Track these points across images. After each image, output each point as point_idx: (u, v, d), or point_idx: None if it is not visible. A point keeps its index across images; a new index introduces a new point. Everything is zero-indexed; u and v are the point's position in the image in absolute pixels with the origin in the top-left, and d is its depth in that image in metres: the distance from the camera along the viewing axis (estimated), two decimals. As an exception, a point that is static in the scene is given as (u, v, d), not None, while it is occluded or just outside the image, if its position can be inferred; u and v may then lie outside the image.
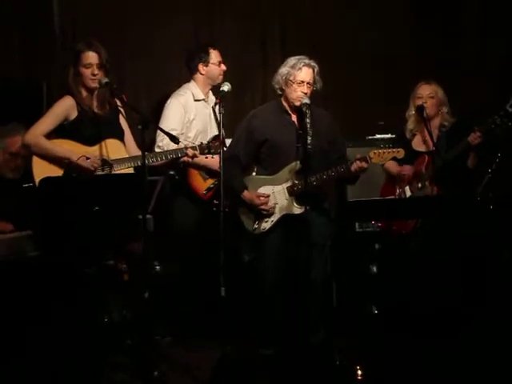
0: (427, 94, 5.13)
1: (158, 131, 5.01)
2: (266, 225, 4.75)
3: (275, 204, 4.73)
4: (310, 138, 4.43)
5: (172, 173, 5.23)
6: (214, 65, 5.32)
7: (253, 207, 4.73)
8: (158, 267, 5.35)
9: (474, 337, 4.90)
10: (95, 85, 4.57)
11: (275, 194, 4.74)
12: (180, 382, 4.48)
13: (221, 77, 5.35)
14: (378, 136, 5.88)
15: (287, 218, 4.73)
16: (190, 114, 5.24)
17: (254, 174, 4.91)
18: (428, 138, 5.04)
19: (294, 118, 4.77)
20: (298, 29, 6.29)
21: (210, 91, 5.41)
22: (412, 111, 5.21)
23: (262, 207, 4.71)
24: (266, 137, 4.73)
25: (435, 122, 5.15)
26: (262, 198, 4.72)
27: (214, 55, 5.33)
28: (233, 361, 4.39)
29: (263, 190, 4.75)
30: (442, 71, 6.00)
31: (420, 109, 5.07)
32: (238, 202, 4.77)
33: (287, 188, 4.72)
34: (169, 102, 5.30)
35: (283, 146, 4.71)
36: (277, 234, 4.75)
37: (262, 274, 4.81)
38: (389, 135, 5.73)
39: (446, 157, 4.94)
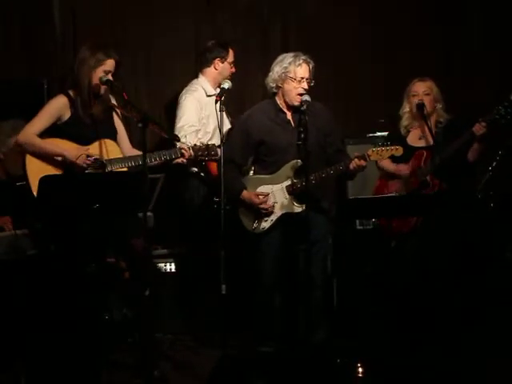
0: (423, 91, 5.15)
1: (178, 128, 5.15)
2: (266, 224, 4.74)
3: (274, 203, 4.72)
4: (310, 137, 4.43)
5: (196, 170, 5.25)
6: (228, 64, 5.36)
7: (252, 207, 4.72)
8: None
9: (475, 336, 4.90)
10: (102, 91, 4.56)
11: (274, 193, 4.73)
12: (181, 381, 4.48)
13: (229, 77, 5.36)
14: (378, 133, 5.89)
15: (286, 217, 4.73)
16: (206, 110, 5.25)
17: (251, 173, 4.91)
18: (427, 133, 5.06)
19: (289, 115, 4.75)
20: (299, 28, 6.30)
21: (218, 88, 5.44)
22: (406, 108, 5.23)
23: (262, 206, 4.70)
24: (263, 137, 4.71)
25: (432, 119, 5.16)
26: (260, 196, 4.71)
27: (231, 55, 5.37)
28: (233, 359, 4.38)
29: (262, 189, 4.74)
30: (442, 69, 6.02)
31: (420, 106, 5.08)
32: (237, 203, 4.76)
33: (286, 187, 4.71)
34: (183, 98, 5.32)
35: (280, 146, 4.70)
36: (276, 233, 4.75)
37: (262, 273, 4.80)
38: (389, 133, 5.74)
39: (449, 149, 4.95)
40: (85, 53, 4.54)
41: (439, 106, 5.17)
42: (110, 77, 4.52)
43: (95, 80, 4.51)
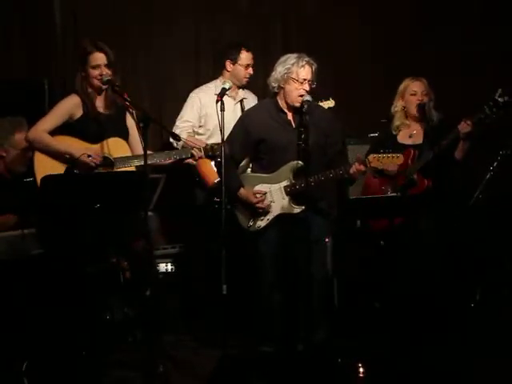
0: (421, 91, 5.17)
1: (176, 122, 5.27)
2: (261, 223, 4.74)
3: (271, 203, 4.72)
4: (310, 137, 4.44)
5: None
6: (240, 66, 5.36)
7: (249, 205, 4.73)
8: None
9: (475, 335, 4.90)
10: (99, 85, 4.58)
11: (272, 193, 4.73)
12: (181, 381, 4.47)
13: (246, 79, 5.39)
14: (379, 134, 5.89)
15: (283, 217, 4.73)
16: (208, 108, 5.28)
17: (249, 170, 4.91)
18: (418, 132, 5.13)
19: (289, 116, 4.74)
20: (299, 28, 6.31)
21: (241, 89, 5.47)
22: (399, 107, 5.25)
23: (258, 205, 4.70)
24: (263, 136, 4.71)
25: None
26: (257, 195, 4.71)
27: (245, 56, 5.35)
28: (233, 359, 4.38)
29: (260, 188, 4.74)
30: (442, 68, 6.02)
31: (421, 106, 5.10)
32: (234, 200, 4.76)
33: (284, 187, 4.71)
34: (189, 95, 5.40)
35: (280, 145, 4.69)
36: (273, 232, 4.74)
37: (260, 272, 4.79)
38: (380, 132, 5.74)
39: (438, 148, 4.97)
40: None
41: (432, 104, 5.20)
42: (104, 70, 4.53)
43: (92, 80, 4.57)
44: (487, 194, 5.19)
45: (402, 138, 5.25)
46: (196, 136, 5.33)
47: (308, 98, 4.56)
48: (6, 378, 4.27)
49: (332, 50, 6.16)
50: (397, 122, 5.27)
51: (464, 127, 4.94)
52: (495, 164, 5.18)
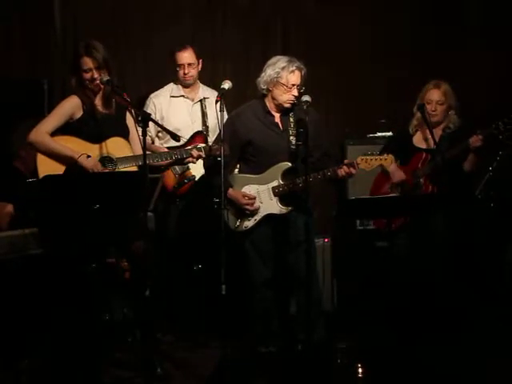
0: (437, 100, 5.11)
1: None
2: (249, 223, 4.75)
3: (259, 203, 4.74)
4: (300, 139, 4.44)
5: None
6: (177, 67, 5.35)
7: (237, 205, 4.74)
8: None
9: (475, 335, 4.90)
10: (97, 88, 4.59)
11: (260, 194, 4.74)
12: (181, 381, 4.47)
13: (185, 79, 5.36)
14: (379, 134, 5.90)
15: (270, 218, 4.74)
16: (164, 112, 5.34)
17: (236, 171, 4.92)
18: (429, 136, 5.03)
19: (277, 118, 4.76)
20: (299, 28, 6.31)
21: (201, 88, 5.45)
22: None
23: (247, 207, 4.72)
24: (250, 138, 4.72)
25: (442, 125, 5.17)
26: (246, 197, 4.72)
27: (178, 58, 5.33)
28: (233, 359, 4.38)
29: (248, 188, 4.76)
30: (442, 68, 6.01)
31: (420, 107, 5.08)
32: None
33: (272, 188, 4.72)
34: (146, 100, 5.43)
35: (268, 147, 4.71)
36: (260, 233, 4.76)
37: (248, 273, 4.81)
38: (390, 133, 5.74)
39: (445, 156, 4.95)
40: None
41: (452, 112, 5.16)
42: (95, 74, 4.52)
43: (85, 83, 4.56)
44: (487, 193, 5.20)
45: (417, 140, 5.23)
46: (156, 140, 5.38)
47: (307, 98, 4.55)
48: (6, 377, 4.26)
49: (332, 50, 6.16)
50: (415, 122, 5.24)
51: (475, 141, 4.92)
52: (494, 164, 5.18)
